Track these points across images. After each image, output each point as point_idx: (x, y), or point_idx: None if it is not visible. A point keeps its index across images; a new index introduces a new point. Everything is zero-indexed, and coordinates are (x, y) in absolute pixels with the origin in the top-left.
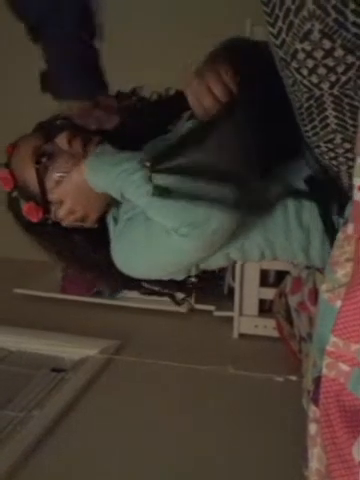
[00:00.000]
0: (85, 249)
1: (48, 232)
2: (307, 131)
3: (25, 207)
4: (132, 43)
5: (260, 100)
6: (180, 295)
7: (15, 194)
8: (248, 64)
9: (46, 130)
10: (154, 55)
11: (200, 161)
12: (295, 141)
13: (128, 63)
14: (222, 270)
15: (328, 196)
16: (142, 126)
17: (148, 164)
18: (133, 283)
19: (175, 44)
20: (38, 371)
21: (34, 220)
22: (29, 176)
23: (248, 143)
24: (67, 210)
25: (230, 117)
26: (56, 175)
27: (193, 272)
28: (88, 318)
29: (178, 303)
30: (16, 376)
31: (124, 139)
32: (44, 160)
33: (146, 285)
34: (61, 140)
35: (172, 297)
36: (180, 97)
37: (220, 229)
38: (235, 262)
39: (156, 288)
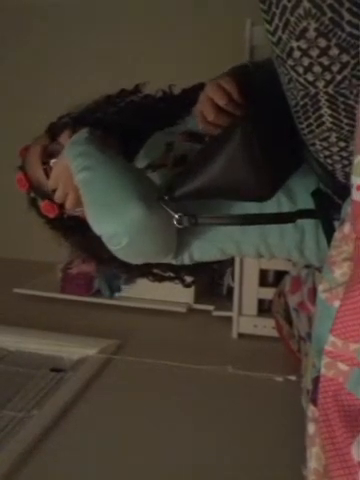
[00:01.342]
0: (100, 242)
1: (66, 227)
2: (303, 129)
3: (42, 205)
4: (132, 44)
5: (265, 111)
6: (189, 278)
7: (32, 194)
8: (250, 77)
9: (51, 130)
10: (154, 55)
11: (209, 183)
12: (301, 151)
13: (128, 63)
14: (222, 270)
15: (332, 207)
16: (146, 120)
17: (166, 197)
18: (145, 270)
19: (175, 44)
20: (37, 371)
21: (52, 216)
22: (40, 176)
23: (256, 156)
24: (62, 193)
25: (234, 133)
26: None
27: (186, 262)
28: (87, 318)
29: (188, 285)
30: (15, 376)
31: (128, 132)
32: (50, 160)
33: (156, 271)
34: (64, 138)
35: (182, 281)
36: (187, 94)
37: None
38: (233, 258)
39: (166, 274)
